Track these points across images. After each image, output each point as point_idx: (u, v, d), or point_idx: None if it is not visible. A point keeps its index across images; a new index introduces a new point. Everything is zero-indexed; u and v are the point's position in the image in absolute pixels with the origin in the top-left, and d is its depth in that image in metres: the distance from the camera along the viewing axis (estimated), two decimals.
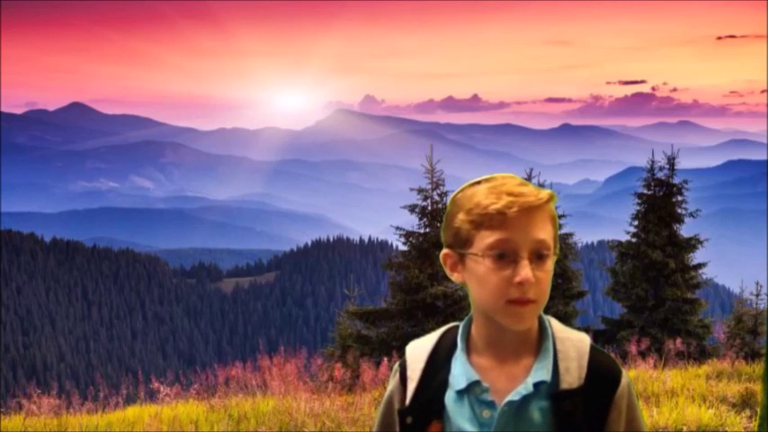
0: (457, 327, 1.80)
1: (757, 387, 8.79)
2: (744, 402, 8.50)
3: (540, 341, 1.72)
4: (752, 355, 13.03)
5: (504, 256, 1.63)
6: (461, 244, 1.69)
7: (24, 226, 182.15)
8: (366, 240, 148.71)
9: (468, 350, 1.75)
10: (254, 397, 8.91)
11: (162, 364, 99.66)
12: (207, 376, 9.36)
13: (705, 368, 11.20)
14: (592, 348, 1.74)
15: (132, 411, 8.79)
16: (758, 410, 6.14)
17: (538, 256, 1.65)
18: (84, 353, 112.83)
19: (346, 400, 8.46)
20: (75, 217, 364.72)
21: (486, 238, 1.64)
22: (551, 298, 16.12)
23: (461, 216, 1.68)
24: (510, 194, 1.64)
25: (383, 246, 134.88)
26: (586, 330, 16.29)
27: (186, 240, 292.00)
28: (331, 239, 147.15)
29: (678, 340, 11.82)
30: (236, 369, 9.52)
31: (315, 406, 7.82)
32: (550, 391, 1.67)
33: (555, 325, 1.75)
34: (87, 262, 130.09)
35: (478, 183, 1.72)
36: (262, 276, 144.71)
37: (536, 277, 1.63)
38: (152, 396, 9.05)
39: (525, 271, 1.61)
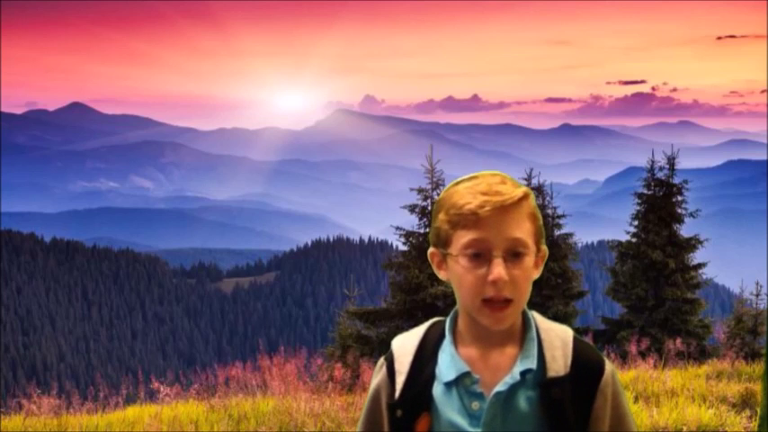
0: (442, 321, 1.82)
1: (757, 387, 8.79)
2: (744, 402, 8.50)
3: (524, 332, 1.74)
4: (752, 355, 13.02)
5: (479, 255, 1.65)
6: (442, 244, 1.72)
7: (24, 226, 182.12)
8: (366, 240, 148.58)
9: (455, 343, 1.76)
10: (254, 397, 8.91)
11: (162, 364, 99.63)
12: (207, 376, 9.35)
13: (705, 368, 11.18)
14: (575, 338, 1.76)
15: (132, 411, 8.78)
16: (758, 410, 6.14)
17: (514, 255, 1.65)
18: (84, 353, 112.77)
19: (346, 400, 8.45)
20: (75, 217, 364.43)
21: (462, 238, 1.67)
22: (551, 298, 16.17)
23: (441, 216, 1.72)
24: (485, 194, 1.66)
25: (383, 246, 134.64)
26: (586, 331, 16.31)
27: (186, 240, 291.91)
28: (331, 239, 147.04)
29: (678, 340, 11.82)
30: (236, 369, 9.51)
31: (315, 406, 7.82)
32: (538, 380, 1.69)
33: (538, 317, 1.77)
34: (87, 262, 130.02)
35: (460, 182, 1.74)
36: (262, 276, 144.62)
37: (512, 276, 1.64)
38: (152, 396, 9.04)
39: (498, 269, 1.63)
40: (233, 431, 7.77)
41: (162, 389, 8.62)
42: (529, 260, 1.67)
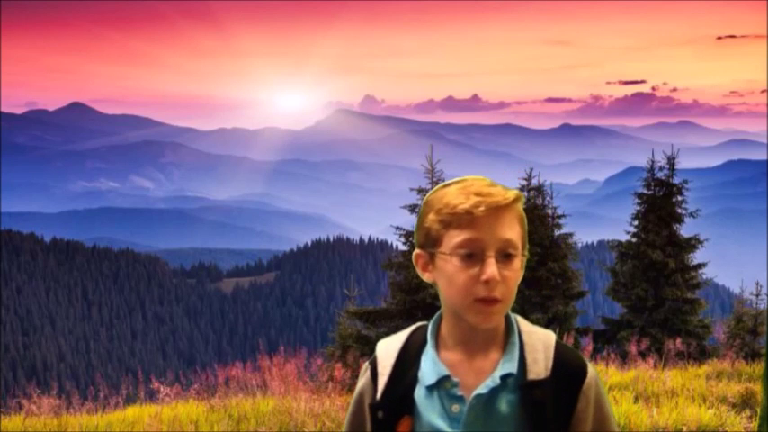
0: (426, 325, 1.84)
1: (757, 387, 8.79)
2: (744, 402, 8.50)
3: (506, 336, 1.76)
4: (752, 355, 13.03)
5: (472, 255, 1.67)
6: (431, 243, 1.73)
7: (24, 226, 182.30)
8: (366, 240, 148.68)
9: (438, 347, 1.78)
10: (254, 397, 8.91)
11: (162, 364, 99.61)
12: (207, 376, 9.35)
13: (705, 368, 11.18)
14: (557, 342, 1.77)
15: (132, 411, 8.78)
16: (758, 410, 6.14)
17: (505, 256, 1.67)
18: (84, 353, 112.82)
19: (346, 400, 8.44)
20: (75, 217, 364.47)
21: (455, 238, 1.68)
22: (551, 298, 16.16)
23: (431, 216, 1.73)
24: (478, 195, 1.68)
25: (383, 246, 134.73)
26: (586, 331, 16.31)
27: (186, 240, 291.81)
28: (331, 239, 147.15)
29: (678, 340, 11.82)
30: (236, 369, 9.51)
31: (315, 406, 7.82)
32: (519, 382, 1.70)
33: (521, 321, 1.79)
34: (87, 262, 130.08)
35: (449, 185, 1.75)
36: (262, 276, 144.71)
37: (502, 276, 1.66)
38: (152, 396, 9.04)
39: (491, 269, 1.64)
40: (233, 431, 7.78)
41: (162, 389, 8.62)
42: (518, 261, 1.69)
